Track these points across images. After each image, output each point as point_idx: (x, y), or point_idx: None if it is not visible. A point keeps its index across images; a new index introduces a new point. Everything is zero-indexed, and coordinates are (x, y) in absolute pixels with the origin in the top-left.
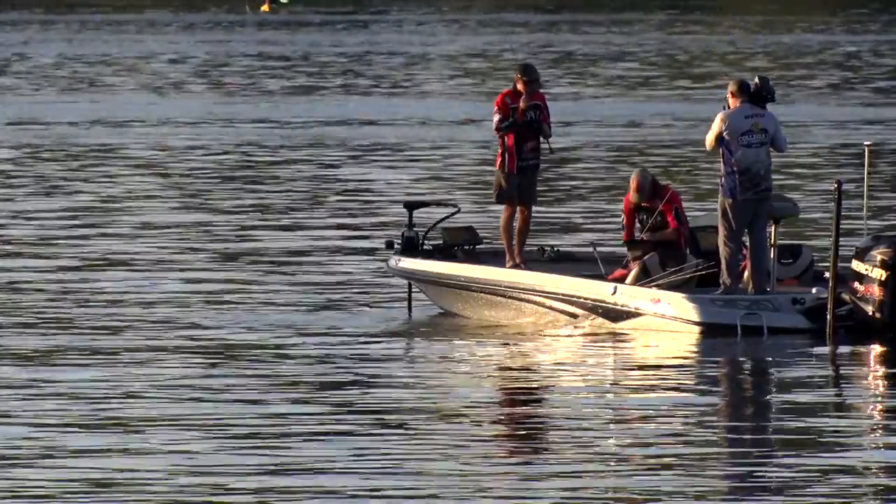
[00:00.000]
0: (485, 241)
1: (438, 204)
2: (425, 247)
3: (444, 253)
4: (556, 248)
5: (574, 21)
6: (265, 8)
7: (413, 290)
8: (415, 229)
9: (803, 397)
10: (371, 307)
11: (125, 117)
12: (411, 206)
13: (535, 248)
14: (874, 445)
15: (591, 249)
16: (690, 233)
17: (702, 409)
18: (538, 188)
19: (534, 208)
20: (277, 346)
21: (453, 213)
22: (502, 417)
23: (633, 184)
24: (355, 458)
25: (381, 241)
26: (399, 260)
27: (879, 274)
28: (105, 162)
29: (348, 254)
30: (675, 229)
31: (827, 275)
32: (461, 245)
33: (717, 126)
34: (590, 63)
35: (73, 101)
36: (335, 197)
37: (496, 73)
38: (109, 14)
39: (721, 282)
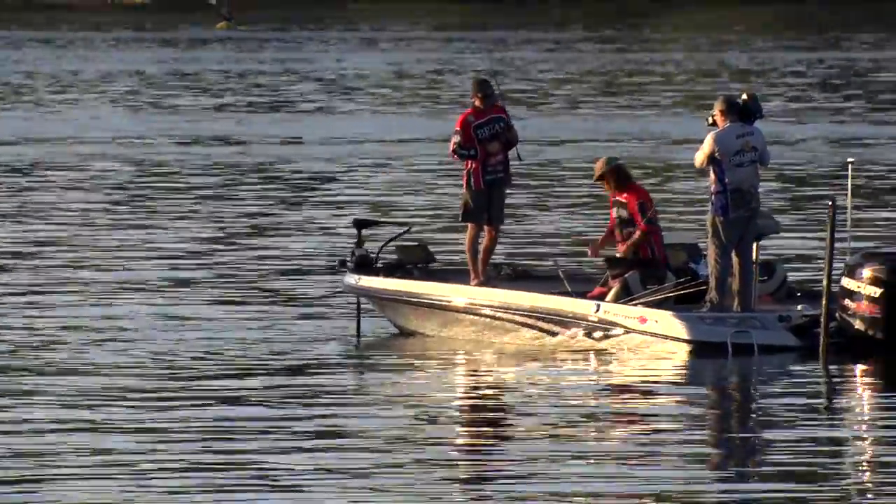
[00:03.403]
0: (437, 259)
1: (388, 223)
2: (378, 265)
3: (398, 271)
4: (512, 266)
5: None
6: (221, 26)
7: (362, 308)
8: (365, 247)
9: (799, 414)
10: (321, 325)
11: (68, 134)
12: (360, 225)
13: (490, 266)
14: (869, 461)
15: (553, 266)
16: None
17: (702, 428)
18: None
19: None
20: (226, 365)
21: (404, 232)
22: (472, 439)
23: (597, 165)
24: (302, 474)
25: (326, 259)
26: (359, 278)
27: (872, 291)
28: (43, 177)
29: (295, 273)
30: (643, 232)
31: (800, 293)
32: (415, 263)
33: (708, 146)
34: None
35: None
36: (284, 216)
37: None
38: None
39: (708, 299)
